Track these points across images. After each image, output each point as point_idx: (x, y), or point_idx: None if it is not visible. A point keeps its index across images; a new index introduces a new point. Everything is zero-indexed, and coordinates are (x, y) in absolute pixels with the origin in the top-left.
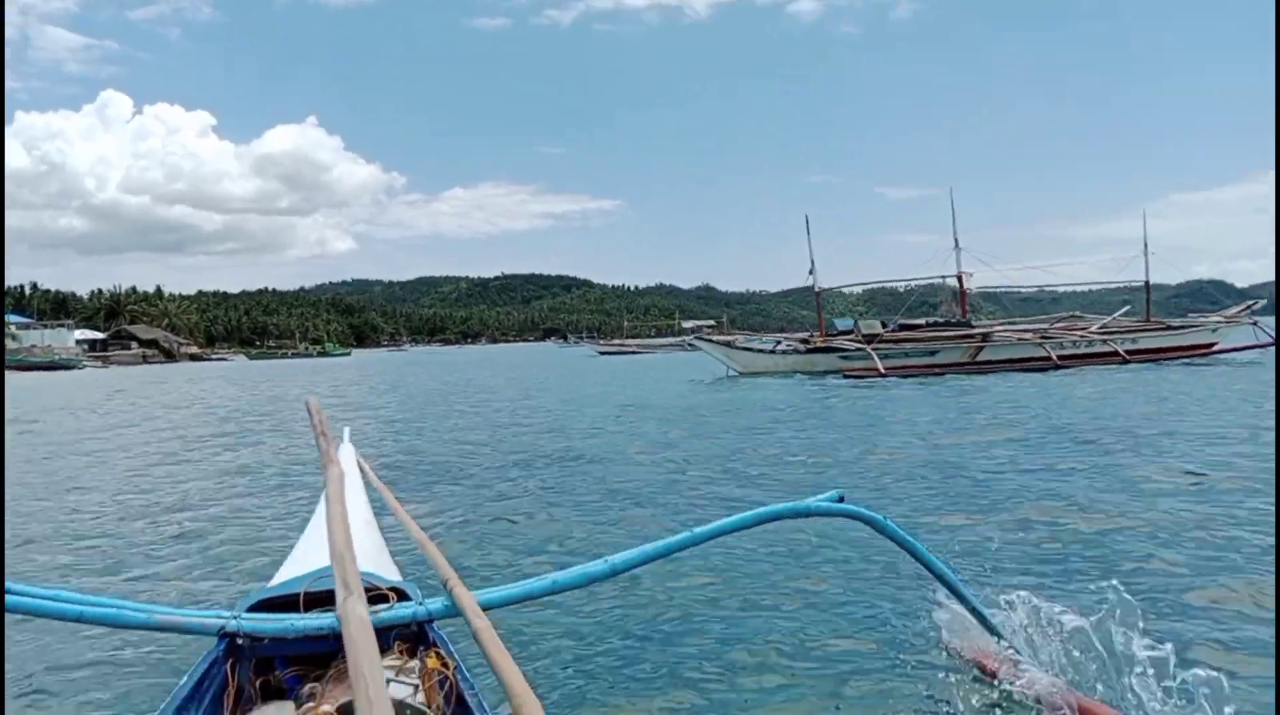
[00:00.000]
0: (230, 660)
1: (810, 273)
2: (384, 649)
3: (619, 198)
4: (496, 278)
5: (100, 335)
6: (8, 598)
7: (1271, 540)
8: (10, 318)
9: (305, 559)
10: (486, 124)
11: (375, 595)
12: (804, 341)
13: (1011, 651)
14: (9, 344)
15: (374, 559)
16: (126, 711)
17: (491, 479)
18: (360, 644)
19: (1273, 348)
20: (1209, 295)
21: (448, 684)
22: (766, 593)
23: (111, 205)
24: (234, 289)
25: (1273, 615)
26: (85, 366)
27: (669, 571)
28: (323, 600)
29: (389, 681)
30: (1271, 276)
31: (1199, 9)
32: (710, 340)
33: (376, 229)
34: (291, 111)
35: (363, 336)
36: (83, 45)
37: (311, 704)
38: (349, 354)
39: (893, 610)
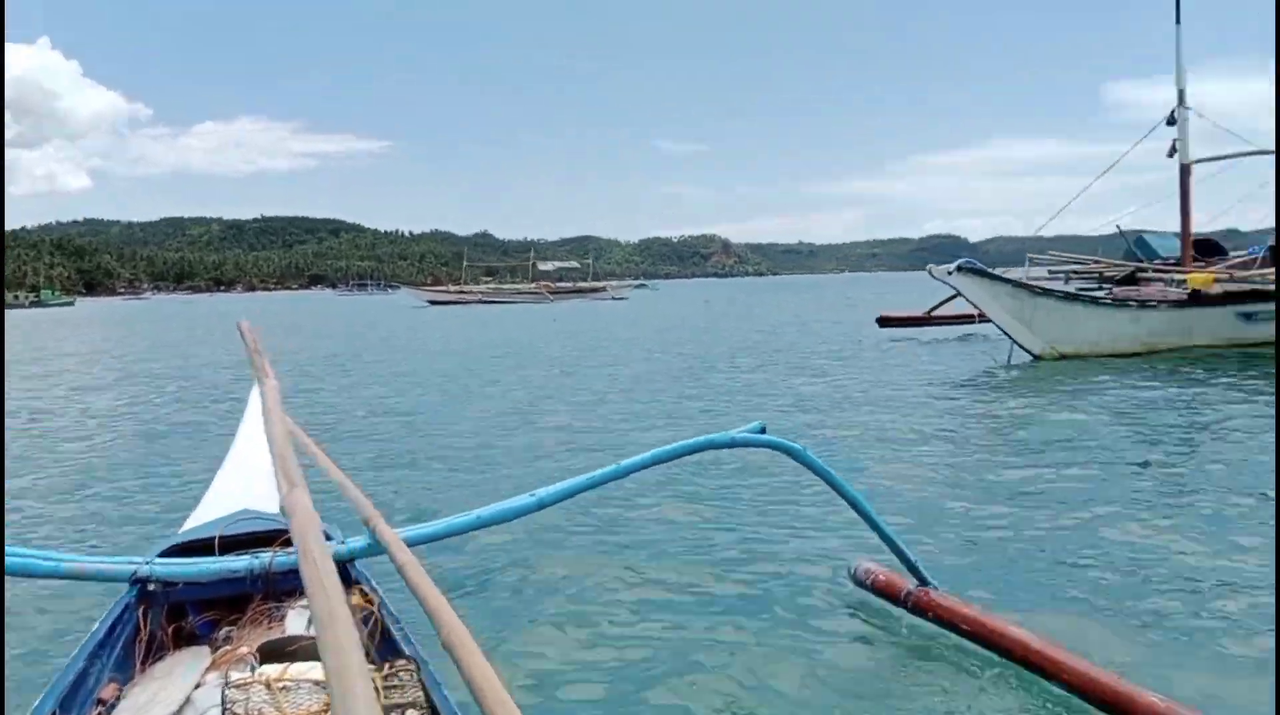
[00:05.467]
0: (143, 606)
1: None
2: (303, 590)
3: (389, 139)
4: (255, 220)
5: None
6: None
7: None
8: None
9: (218, 503)
10: (243, 52)
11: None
12: (1134, 274)
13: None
14: None
15: None
16: (36, 662)
17: None
18: (308, 529)
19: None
20: (946, 249)
21: (372, 620)
22: (686, 525)
23: None
24: None
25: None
26: None
27: (597, 502)
28: (237, 545)
29: (310, 622)
30: (993, 233)
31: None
32: (992, 277)
33: (116, 164)
34: (19, 29)
35: (94, 283)
36: None
37: (228, 647)
38: (72, 304)
39: (808, 540)
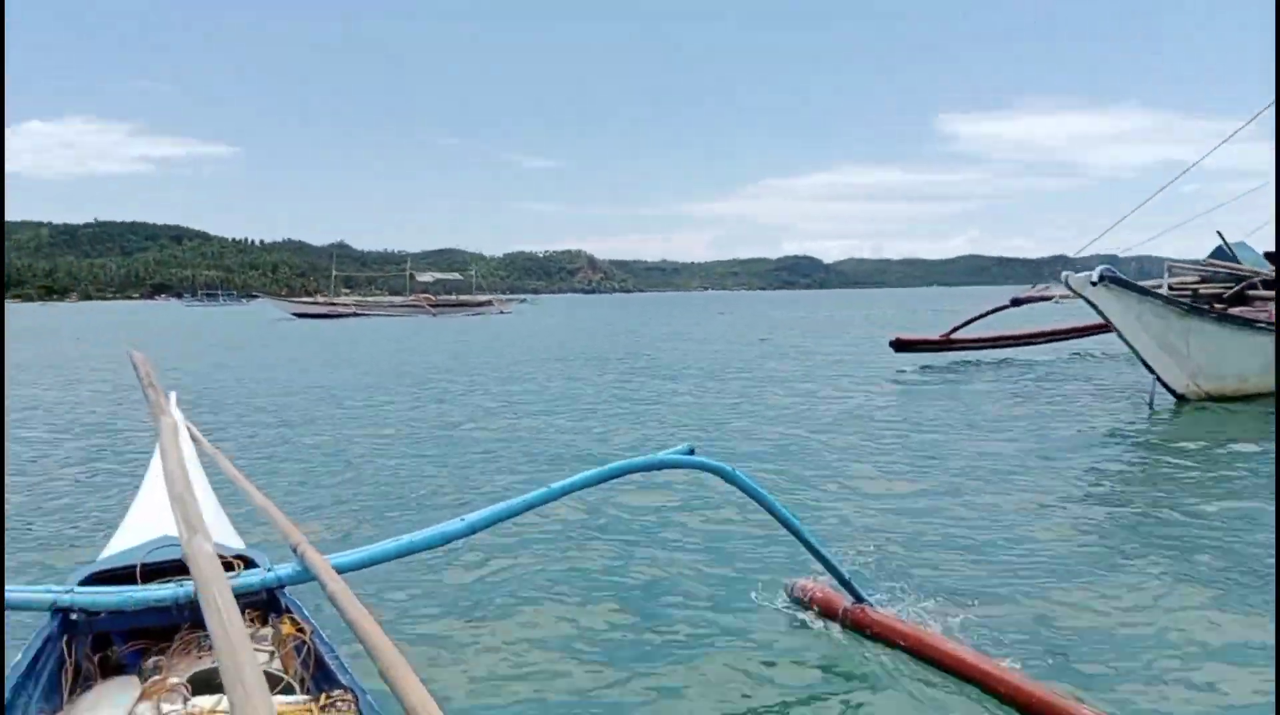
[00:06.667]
0: (65, 636)
1: None
2: None
3: (236, 144)
4: (89, 224)
5: None
6: None
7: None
8: None
9: (138, 528)
10: (71, 48)
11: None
12: (1244, 292)
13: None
14: None
15: (214, 527)
16: None
17: None
18: (212, 580)
19: None
20: (803, 269)
21: (305, 649)
22: (614, 548)
23: None
24: None
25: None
26: None
27: (526, 529)
28: (160, 572)
29: None
30: (846, 255)
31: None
32: (1140, 290)
33: None
34: None
35: None
36: None
37: (157, 677)
38: None
39: (743, 560)
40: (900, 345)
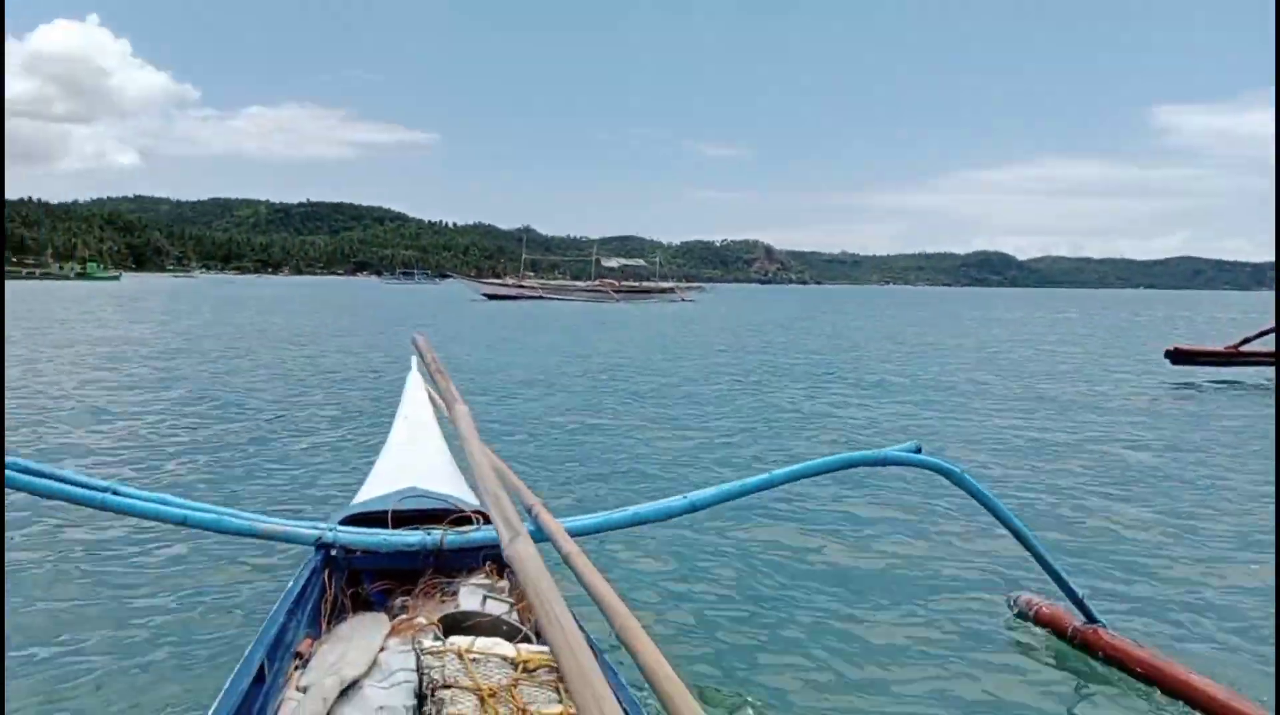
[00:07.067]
0: (327, 570)
1: None
2: (474, 568)
3: (435, 131)
4: (301, 204)
5: None
6: (113, 497)
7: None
8: None
9: (388, 476)
10: (292, 38)
11: (459, 518)
12: None
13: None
14: None
15: (453, 484)
16: (228, 611)
17: None
18: (541, 586)
19: None
20: (994, 265)
21: None
22: (834, 540)
23: None
24: None
25: None
26: None
27: (745, 512)
28: (407, 520)
29: (485, 599)
30: (1041, 252)
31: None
32: None
33: (165, 144)
34: (70, 2)
35: (143, 259)
36: None
37: (405, 616)
38: (118, 278)
39: (962, 566)
40: (1178, 356)
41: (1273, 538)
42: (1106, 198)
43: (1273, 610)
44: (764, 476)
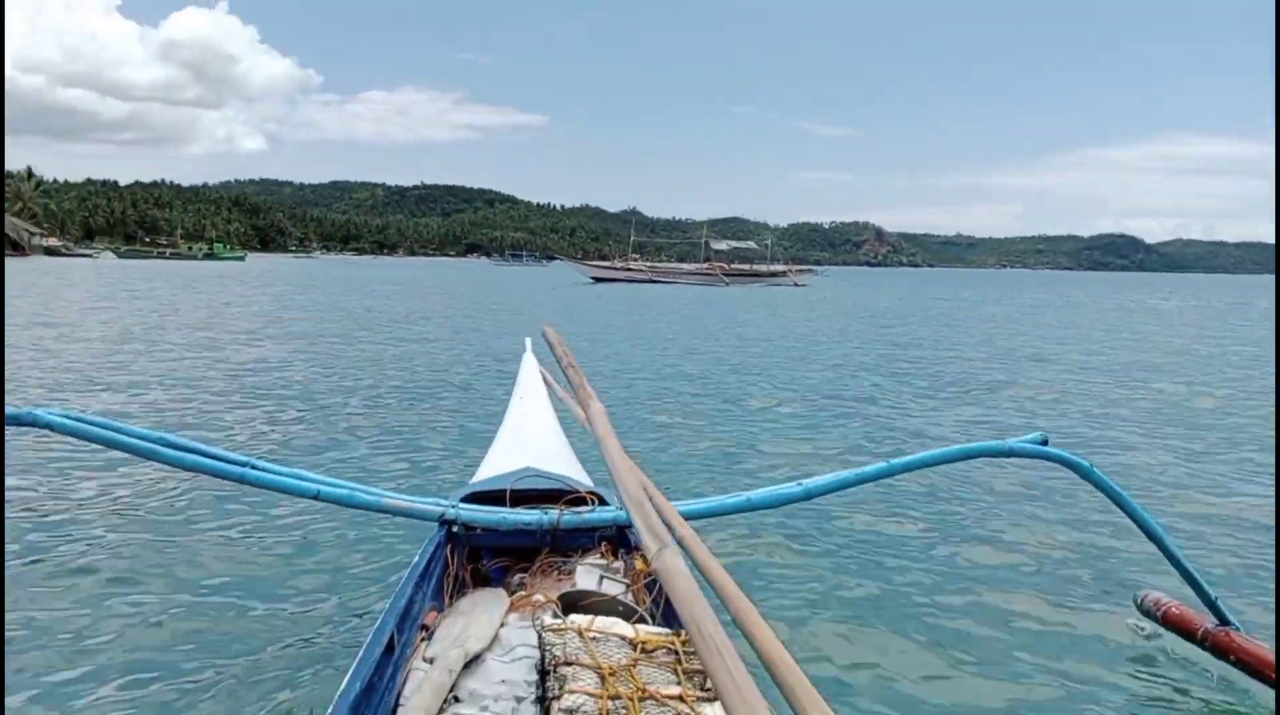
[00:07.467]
0: (449, 546)
1: None
2: (589, 548)
3: (545, 113)
4: (415, 187)
5: None
6: (251, 472)
7: None
8: None
9: (505, 456)
10: (408, 23)
11: (574, 498)
12: None
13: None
14: None
15: (568, 465)
16: (357, 582)
17: None
18: (696, 610)
19: None
20: (1119, 248)
21: (656, 586)
22: (955, 532)
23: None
24: (128, 181)
25: None
26: None
27: (860, 501)
28: (524, 499)
29: (601, 579)
30: (1171, 236)
31: None
32: None
33: (288, 129)
34: None
35: (267, 240)
36: None
37: (523, 593)
38: (243, 259)
39: (1084, 562)
40: None
41: None
42: (1242, 178)
43: None
44: (882, 465)
